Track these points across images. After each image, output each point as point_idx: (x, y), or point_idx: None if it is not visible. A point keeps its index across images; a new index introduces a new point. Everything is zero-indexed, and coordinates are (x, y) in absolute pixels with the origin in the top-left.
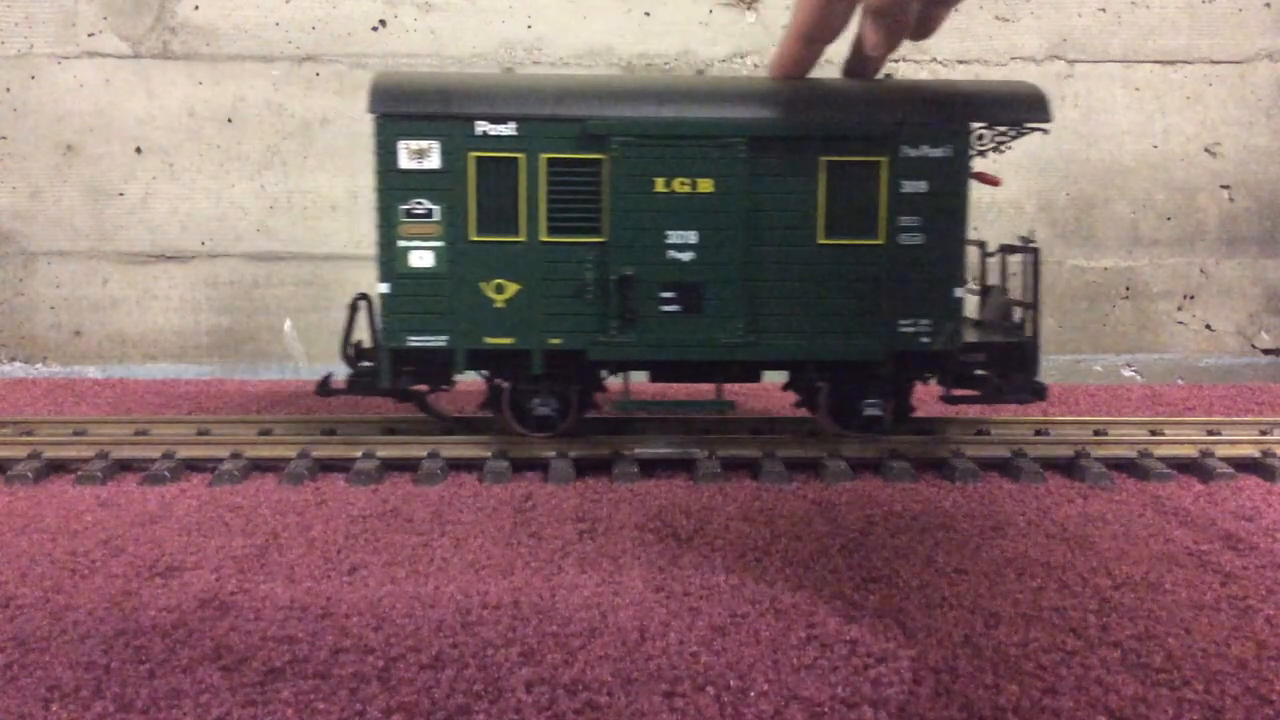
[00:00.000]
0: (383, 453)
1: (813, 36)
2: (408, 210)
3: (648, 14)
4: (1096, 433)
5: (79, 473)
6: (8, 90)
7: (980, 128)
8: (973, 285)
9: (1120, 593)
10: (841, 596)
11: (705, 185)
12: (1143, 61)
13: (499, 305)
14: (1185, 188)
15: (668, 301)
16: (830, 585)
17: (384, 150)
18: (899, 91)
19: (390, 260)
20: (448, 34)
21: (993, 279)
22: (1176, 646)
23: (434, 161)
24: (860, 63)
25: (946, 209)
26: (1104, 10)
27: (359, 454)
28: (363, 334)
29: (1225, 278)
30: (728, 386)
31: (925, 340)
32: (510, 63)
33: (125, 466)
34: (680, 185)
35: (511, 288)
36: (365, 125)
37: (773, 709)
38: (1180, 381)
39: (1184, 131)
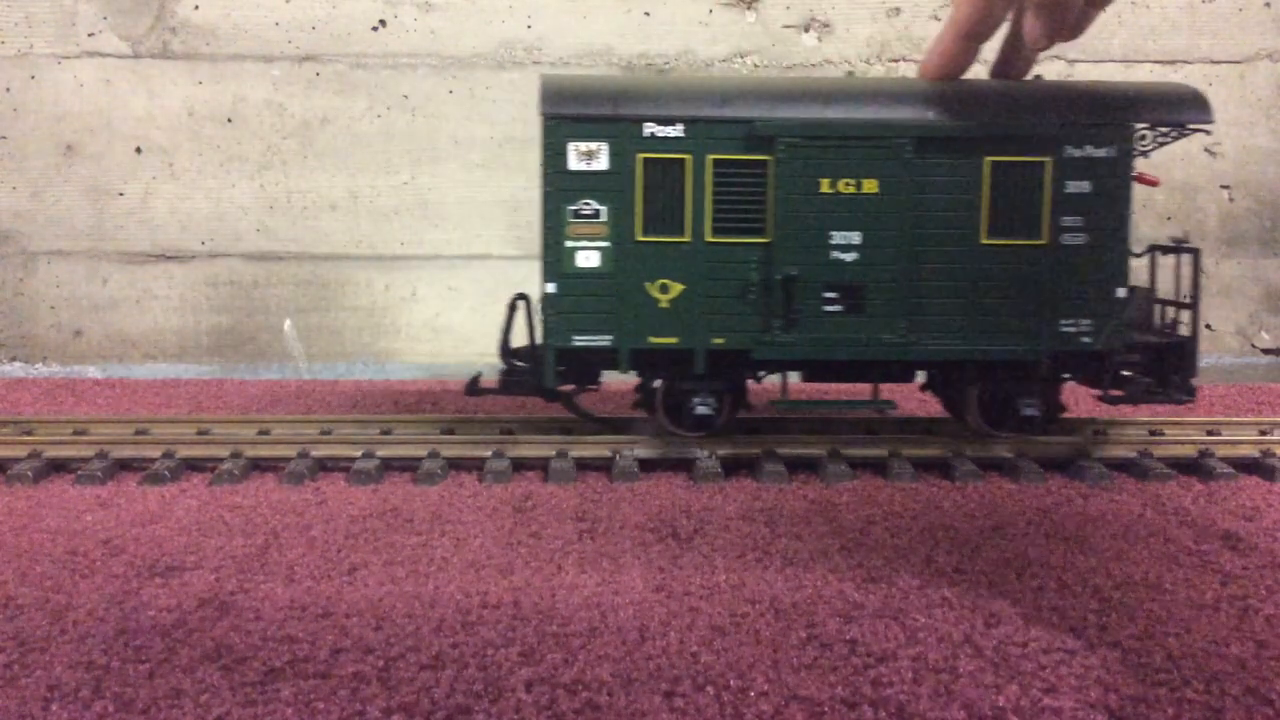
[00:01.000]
0: (383, 453)
1: (973, 34)
2: (575, 211)
3: (648, 14)
4: (1096, 433)
5: (79, 473)
6: (8, 90)
7: (1143, 128)
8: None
9: (1120, 593)
10: (841, 596)
11: (870, 186)
12: (1143, 61)
13: (663, 305)
14: (1185, 188)
15: (831, 302)
16: (830, 585)
17: (553, 151)
18: (1062, 92)
19: (557, 260)
20: (448, 34)
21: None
22: (1176, 646)
23: (602, 163)
24: (1011, 62)
25: (1109, 209)
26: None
27: (359, 454)
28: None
29: (1225, 278)
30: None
31: (1086, 340)
32: (511, 63)
33: (125, 466)
34: (845, 186)
35: (676, 288)
36: (365, 125)
37: (773, 709)
38: None
39: None
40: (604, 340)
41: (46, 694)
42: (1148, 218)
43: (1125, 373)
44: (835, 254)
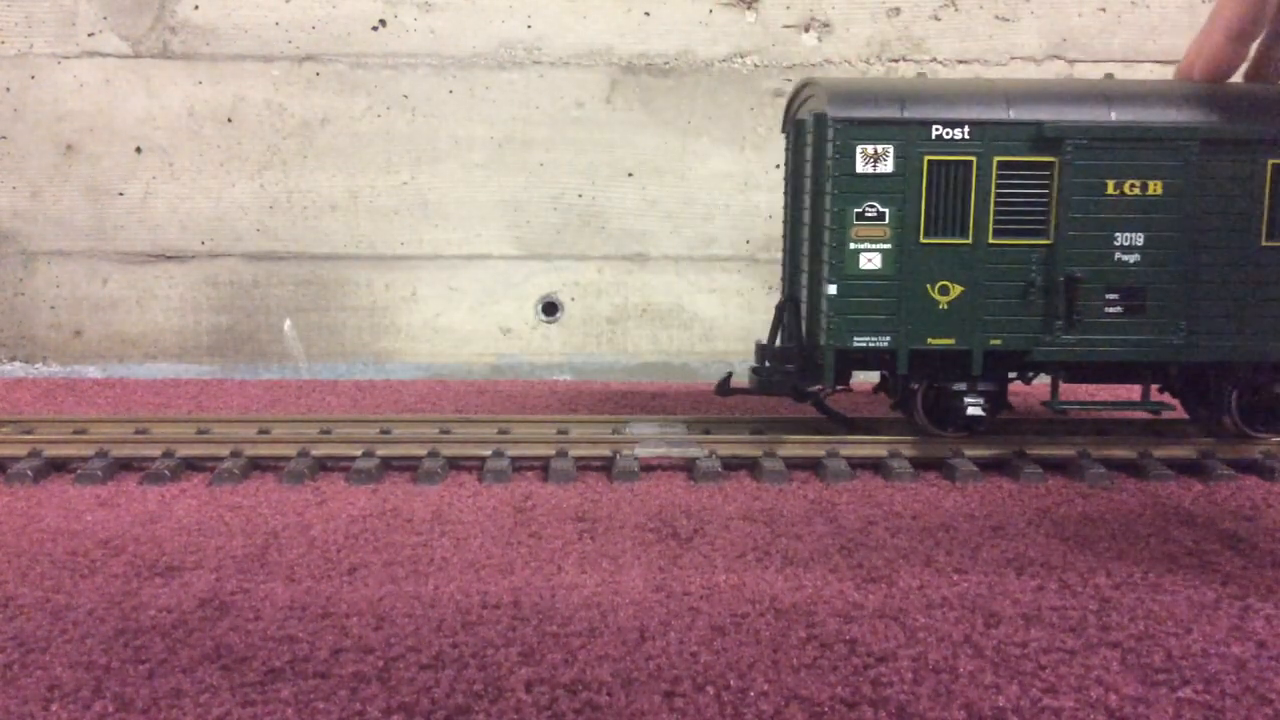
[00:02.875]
0: (383, 452)
1: (1242, 34)
2: (860, 213)
3: (648, 14)
4: (1097, 433)
5: (79, 472)
6: (8, 90)
7: None
8: None
9: (1120, 593)
10: (841, 596)
11: (1154, 188)
12: (1143, 61)
13: (943, 306)
14: None
15: (1112, 303)
16: (830, 585)
17: (841, 154)
18: None
19: (840, 262)
20: (448, 34)
21: None
22: (1176, 646)
23: (888, 165)
24: (1266, 66)
25: None
26: (1104, 10)
27: (359, 454)
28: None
29: None
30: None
31: None
32: (510, 62)
33: (125, 466)
34: (1130, 188)
35: (956, 289)
36: (365, 125)
37: (773, 709)
38: None
39: None
40: (883, 341)
41: (46, 694)
42: None
43: None
44: (1118, 255)
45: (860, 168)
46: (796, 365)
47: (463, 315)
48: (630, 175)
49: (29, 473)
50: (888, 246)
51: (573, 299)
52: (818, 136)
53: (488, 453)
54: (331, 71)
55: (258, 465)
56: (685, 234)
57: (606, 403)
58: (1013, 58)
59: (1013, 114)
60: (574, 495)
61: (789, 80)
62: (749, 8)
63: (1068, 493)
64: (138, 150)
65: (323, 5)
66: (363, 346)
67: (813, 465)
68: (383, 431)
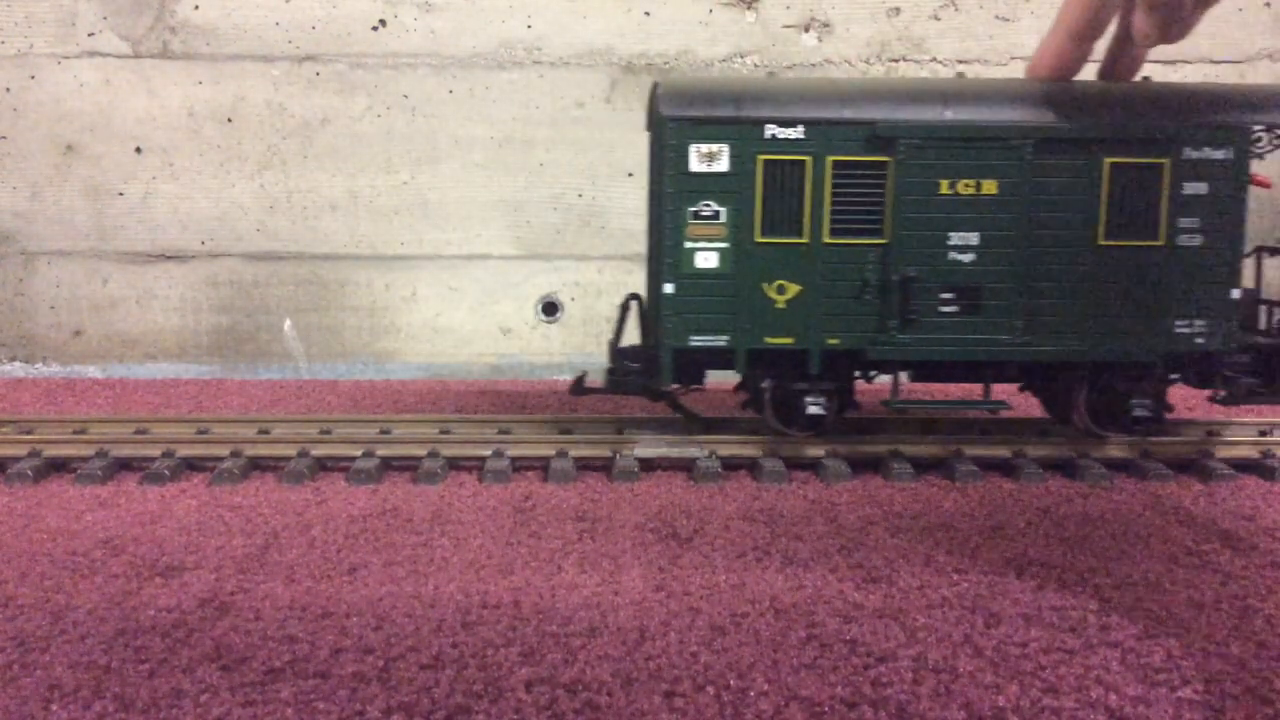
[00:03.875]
0: (383, 452)
1: (1084, 33)
2: (695, 212)
3: (648, 14)
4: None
5: (79, 472)
6: (8, 90)
7: (1260, 130)
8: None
9: (1120, 593)
10: (841, 596)
11: (989, 187)
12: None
13: (780, 306)
14: None
15: (947, 302)
16: (830, 585)
17: (675, 153)
18: (1181, 94)
19: (676, 261)
20: (448, 34)
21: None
22: (1176, 646)
23: (723, 164)
24: (1120, 63)
25: (1225, 211)
26: None
27: (359, 454)
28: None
29: None
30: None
31: (1200, 341)
32: (510, 62)
33: (125, 466)
34: (965, 187)
35: (793, 288)
36: (365, 125)
37: (773, 709)
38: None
39: None
40: (720, 340)
41: (46, 694)
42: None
43: (1228, 374)
44: (953, 255)
45: (695, 166)
46: (643, 364)
47: (463, 315)
48: (630, 175)
49: (29, 473)
50: (724, 245)
51: (573, 299)
52: (656, 135)
53: (488, 453)
54: (331, 71)
55: (258, 465)
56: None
57: (606, 402)
58: (1013, 58)
59: (847, 113)
60: (574, 495)
61: None
62: (749, 8)
63: (1068, 493)
64: (138, 150)
65: (323, 5)
66: (363, 346)
67: (813, 465)
68: (383, 431)
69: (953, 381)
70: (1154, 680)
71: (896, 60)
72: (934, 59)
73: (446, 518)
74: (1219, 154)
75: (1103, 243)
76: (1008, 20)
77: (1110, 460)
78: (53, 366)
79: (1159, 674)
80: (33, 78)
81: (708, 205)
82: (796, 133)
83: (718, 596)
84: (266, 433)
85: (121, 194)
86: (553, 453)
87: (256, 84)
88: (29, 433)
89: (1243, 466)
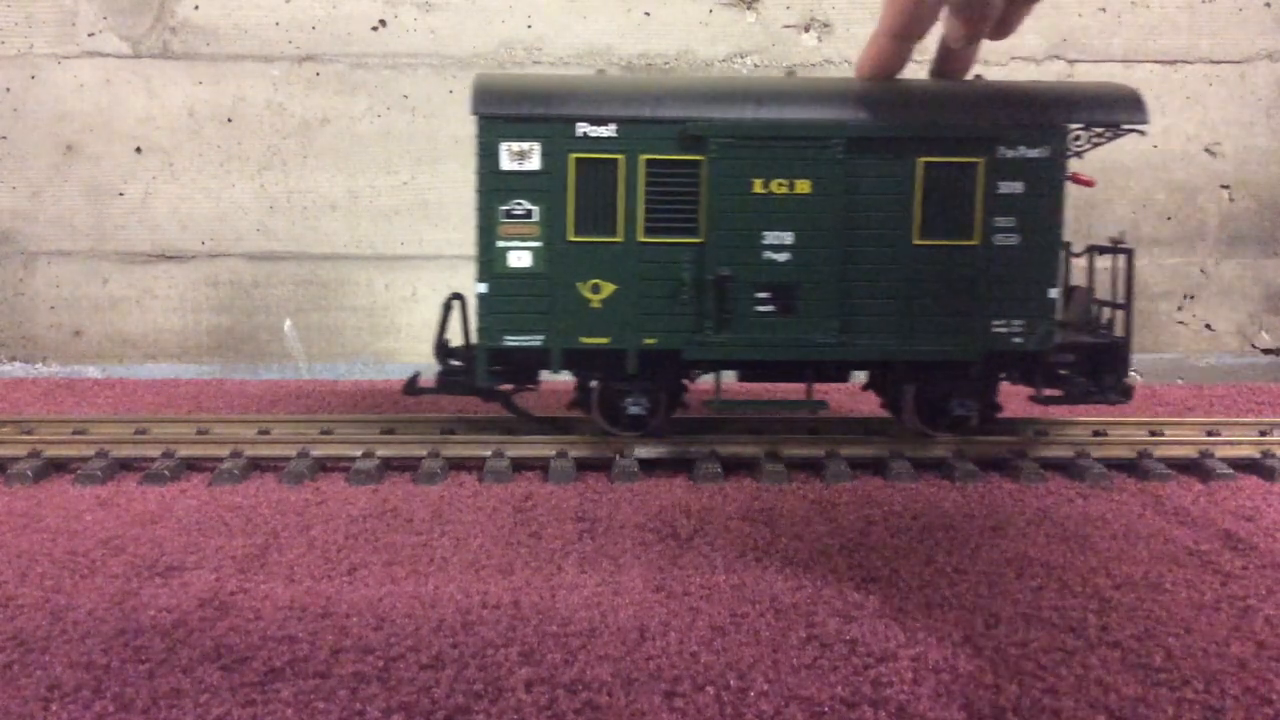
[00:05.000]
0: (383, 452)
1: (903, 33)
2: (507, 211)
3: (648, 14)
4: (1096, 433)
5: (79, 472)
6: (8, 90)
7: (1077, 129)
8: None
9: (1120, 593)
10: (841, 596)
11: (803, 186)
12: (1143, 61)
13: (595, 305)
14: (1185, 188)
15: (763, 302)
16: (830, 585)
17: (486, 151)
18: (997, 92)
19: (489, 260)
20: (448, 34)
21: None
22: (1176, 646)
23: (534, 163)
24: (948, 62)
25: (1042, 210)
26: (1104, 10)
27: (359, 454)
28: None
29: (1225, 278)
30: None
31: (1018, 340)
32: (511, 62)
33: (125, 466)
34: (778, 186)
35: (608, 288)
36: (365, 125)
37: (773, 709)
38: (1180, 381)
39: (1184, 131)
40: (535, 340)
41: (46, 694)
42: (1148, 218)
43: (1063, 372)
44: (768, 254)
45: (506, 165)
46: (467, 364)
47: None
48: None
49: (29, 473)
50: (537, 244)
51: None
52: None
53: (488, 453)
54: (331, 71)
55: (258, 465)
56: None
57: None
58: (1013, 58)
59: (658, 112)
60: (574, 495)
61: None
62: (749, 8)
63: (1068, 493)
64: (138, 150)
65: (323, 5)
66: (363, 346)
67: (813, 465)
68: (383, 431)
69: (776, 381)
70: (1154, 680)
71: None
72: None
73: (446, 518)
74: (1035, 153)
75: (918, 242)
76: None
77: (1110, 460)
78: (53, 366)
79: (1159, 674)
80: (33, 78)
81: (520, 204)
82: (609, 131)
83: (718, 596)
84: (266, 433)
85: (121, 194)
86: (553, 453)
87: (256, 84)
88: (29, 433)
89: (1243, 466)
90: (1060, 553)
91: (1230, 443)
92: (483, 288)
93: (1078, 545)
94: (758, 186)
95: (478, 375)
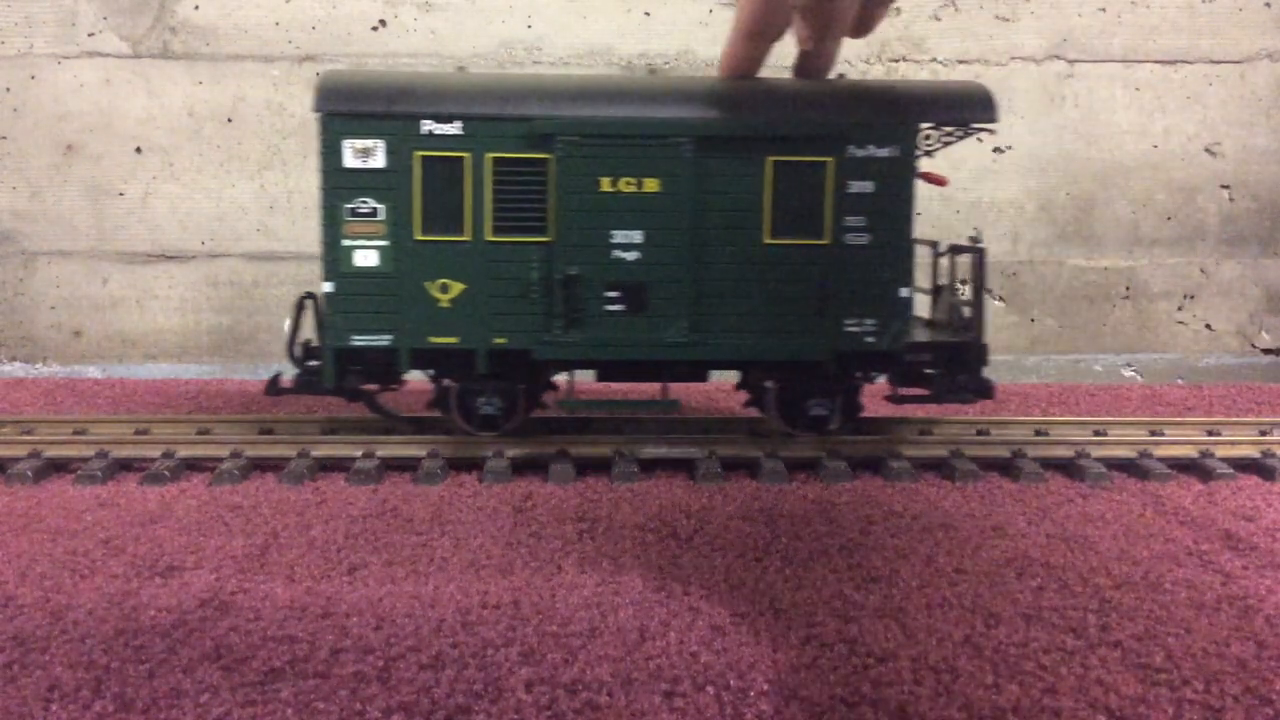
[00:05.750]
0: (383, 453)
1: (757, 33)
2: (352, 209)
3: (648, 14)
4: (1096, 433)
5: (79, 472)
6: (8, 90)
7: (927, 128)
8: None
9: (1120, 593)
10: (841, 596)
11: (651, 185)
12: (1143, 61)
13: (444, 305)
14: (1185, 188)
15: (612, 301)
16: (830, 585)
17: (328, 149)
18: (846, 92)
19: (334, 259)
20: (448, 34)
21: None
22: (1176, 646)
23: (379, 160)
24: (810, 62)
25: (893, 209)
26: (1104, 10)
27: (359, 454)
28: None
29: (1225, 278)
30: (675, 386)
31: (871, 340)
32: (511, 62)
33: (125, 466)
34: (626, 185)
35: (456, 287)
36: None
37: (773, 709)
38: (1180, 381)
39: (1184, 131)
40: (383, 340)
41: (46, 694)
42: (1148, 218)
43: (929, 371)
44: (617, 253)
45: (350, 162)
46: (320, 363)
47: None
48: None
49: (29, 473)
50: (384, 243)
51: None
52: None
53: (488, 453)
54: None
55: (258, 466)
56: None
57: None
58: (1013, 58)
59: (505, 110)
60: (574, 495)
61: None
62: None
63: (1068, 493)
64: (138, 150)
65: (323, 5)
66: None
67: (812, 465)
68: (384, 431)
69: (633, 381)
70: (1154, 680)
71: (896, 60)
72: (934, 59)
73: (446, 518)
74: (884, 152)
75: (768, 241)
76: (1008, 20)
77: (1110, 460)
78: (53, 366)
79: (1159, 674)
80: (33, 78)
81: (365, 202)
82: (454, 129)
83: (718, 596)
84: (267, 433)
85: (121, 194)
86: (553, 452)
87: (256, 84)
88: (29, 433)
89: (1243, 466)
90: (1060, 553)
91: (1230, 443)
92: (329, 287)
93: (1078, 545)
94: (606, 185)
95: (325, 376)
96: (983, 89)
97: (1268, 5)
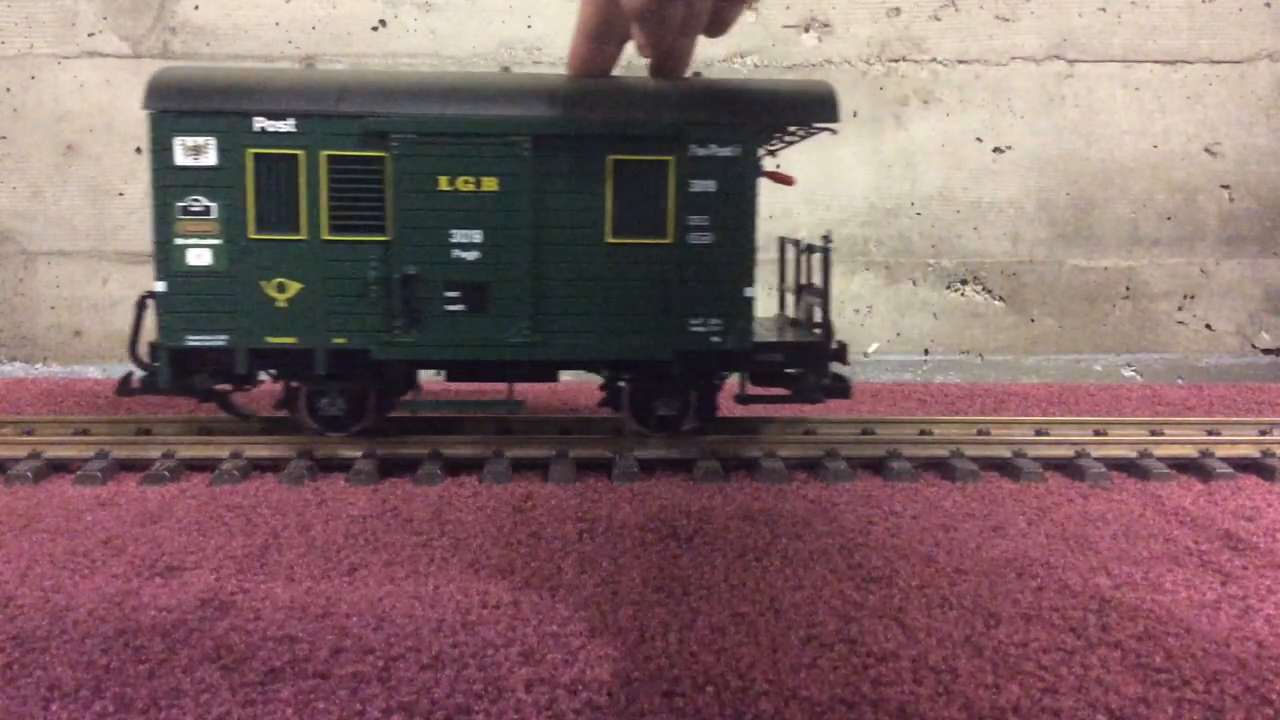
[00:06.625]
0: (383, 453)
1: (598, 35)
2: (184, 208)
3: None
4: (1096, 433)
5: (79, 473)
6: (8, 90)
7: (768, 127)
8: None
9: (1120, 593)
10: (841, 596)
11: (490, 184)
12: (1143, 61)
13: (281, 304)
14: (1185, 188)
15: (453, 301)
16: (830, 585)
17: (159, 146)
18: (688, 91)
19: (167, 258)
20: (448, 34)
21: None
22: (1176, 646)
23: (210, 158)
24: (663, 62)
25: (736, 208)
26: (1104, 10)
27: (359, 454)
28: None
29: (1225, 278)
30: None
31: (716, 340)
32: (511, 62)
33: (125, 466)
34: (464, 184)
35: (293, 286)
36: None
37: (773, 709)
38: (1180, 381)
39: (1184, 131)
40: (219, 340)
41: (46, 694)
42: (1148, 218)
43: (789, 371)
44: (456, 253)
45: (181, 160)
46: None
47: None
48: None
49: (29, 473)
50: (217, 242)
51: None
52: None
53: (488, 453)
54: None
55: (258, 466)
56: None
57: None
58: (1013, 58)
59: (339, 107)
60: (574, 495)
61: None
62: (749, 8)
63: (1068, 493)
64: (138, 150)
65: (323, 5)
66: None
67: (813, 465)
68: (384, 432)
69: (481, 381)
70: (1154, 680)
71: (896, 60)
72: (934, 59)
73: (446, 518)
74: (726, 151)
75: (611, 241)
76: (1008, 20)
77: (1110, 460)
78: (53, 366)
79: (1159, 674)
80: (33, 78)
81: (197, 200)
82: (288, 126)
83: (718, 596)
84: (268, 433)
85: (121, 194)
86: (553, 453)
87: None
88: (29, 433)
89: (1243, 466)
90: (1060, 553)
91: (1230, 443)
92: (161, 286)
93: (1078, 545)
94: (444, 184)
95: (161, 377)
96: (826, 88)
97: (1268, 5)
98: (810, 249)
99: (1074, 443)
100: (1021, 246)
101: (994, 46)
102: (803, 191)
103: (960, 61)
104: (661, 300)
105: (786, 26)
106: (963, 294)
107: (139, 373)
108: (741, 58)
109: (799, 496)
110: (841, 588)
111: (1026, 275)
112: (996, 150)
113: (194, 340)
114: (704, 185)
